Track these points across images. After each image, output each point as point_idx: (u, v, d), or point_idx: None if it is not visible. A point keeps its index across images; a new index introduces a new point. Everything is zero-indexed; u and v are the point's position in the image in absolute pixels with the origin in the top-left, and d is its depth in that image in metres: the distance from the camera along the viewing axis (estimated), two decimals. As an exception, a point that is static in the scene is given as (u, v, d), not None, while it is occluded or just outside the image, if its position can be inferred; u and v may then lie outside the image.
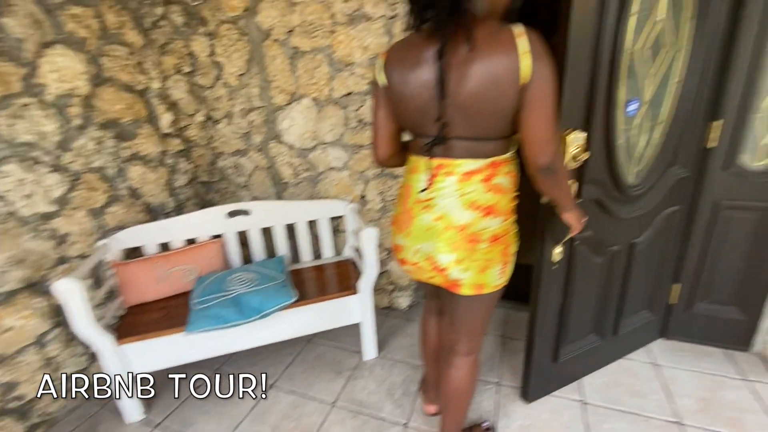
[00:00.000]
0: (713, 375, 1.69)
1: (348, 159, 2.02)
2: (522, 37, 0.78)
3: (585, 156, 1.22)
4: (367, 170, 2.01)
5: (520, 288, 2.53)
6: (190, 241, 1.95)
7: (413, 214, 0.99)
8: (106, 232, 1.82)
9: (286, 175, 2.17)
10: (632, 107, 1.29)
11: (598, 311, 1.64)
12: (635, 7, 1.15)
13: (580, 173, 1.29)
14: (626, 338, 1.78)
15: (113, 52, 1.86)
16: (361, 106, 1.90)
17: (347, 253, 2.08)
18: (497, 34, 0.79)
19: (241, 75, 2.07)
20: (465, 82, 0.81)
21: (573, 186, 1.25)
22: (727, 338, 1.82)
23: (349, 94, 1.90)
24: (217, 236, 1.95)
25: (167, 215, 2.12)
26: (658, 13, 1.21)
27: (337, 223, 2.15)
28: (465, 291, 0.98)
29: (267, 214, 1.95)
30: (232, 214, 1.92)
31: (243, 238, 2.12)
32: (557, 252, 1.34)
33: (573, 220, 1.09)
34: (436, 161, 0.93)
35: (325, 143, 2.04)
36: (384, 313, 2.25)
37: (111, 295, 1.76)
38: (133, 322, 1.61)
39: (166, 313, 1.67)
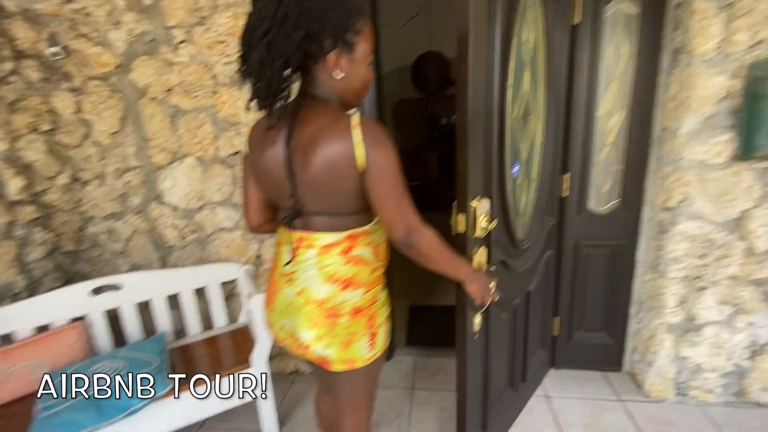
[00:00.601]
0: (594, 400, 1.85)
1: (239, 218, 1.93)
2: (357, 129, 0.80)
3: (492, 226, 1.19)
4: (260, 229, 1.93)
5: (424, 333, 2.60)
6: (43, 329, 1.63)
7: (277, 288, 0.98)
8: None
9: (171, 237, 1.99)
10: (516, 169, 1.42)
11: (510, 365, 1.65)
12: (510, 80, 1.28)
13: (487, 239, 1.26)
14: (530, 380, 1.87)
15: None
16: (250, 165, 1.84)
17: (243, 319, 1.92)
18: (336, 122, 0.81)
19: (115, 133, 1.89)
20: (308, 165, 0.83)
21: (482, 253, 1.21)
22: (602, 362, 2.02)
23: (236, 153, 1.84)
24: (80, 318, 1.67)
25: (15, 297, 1.77)
26: (524, 86, 1.38)
27: (232, 286, 2.00)
28: (336, 367, 0.94)
29: (143, 286, 1.74)
30: (98, 290, 1.67)
31: (116, 317, 1.85)
32: (477, 322, 1.29)
33: (472, 291, 1.06)
34: (297, 234, 0.93)
35: (213, 203, 1.92)
36: (289, 379, 2.10)
37: None
38: (-52, 446, 1.26)
39: (2, 426, 1.34)
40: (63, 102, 1.87)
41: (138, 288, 1.73)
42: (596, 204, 1.83)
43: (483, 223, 1.14)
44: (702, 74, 1.47)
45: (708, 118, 1.51)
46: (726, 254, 1.62)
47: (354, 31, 0.82)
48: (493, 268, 1.23)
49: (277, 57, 0.77)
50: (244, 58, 0.81)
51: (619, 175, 1.78)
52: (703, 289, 1.67)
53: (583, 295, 1.94)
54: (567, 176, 1.79)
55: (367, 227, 0.93)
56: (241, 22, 0.74)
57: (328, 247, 0.91)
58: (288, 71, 0.81)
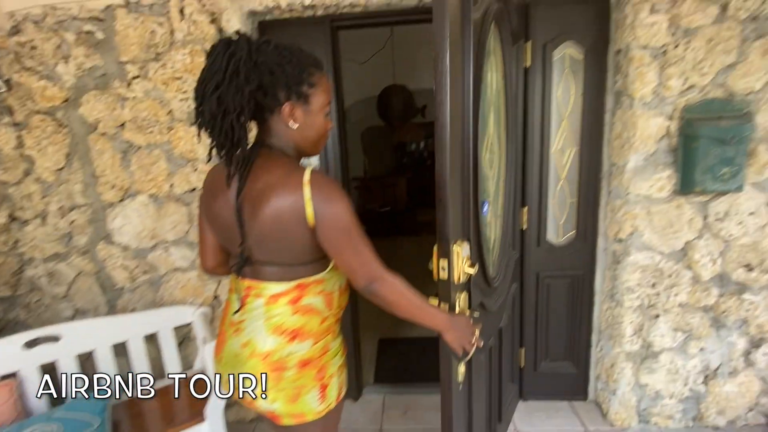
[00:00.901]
0: (562, 431, 1.84)
1: (195, 258, 1.84)
2: (307, 186, 0.80)
3: (473, 270, 1.13)
4: (218, 269, 1.84)
5: (394, 368, 2.53)
6: (-35, 388, 1.46)
7: (225, 338, 0.95)
8: None
9: (120, 279, 1.86)
10: (485, 208, 1.43)
11: (488, 408, 1.60)
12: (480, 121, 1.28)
13: (468, 283, 1.20)
14: (504, 419, 1.84)
15: None
16: (207, 202, 1.78)
17: (199, 365, 1.80)
18: (287, 178, 0.81)
19: (60, 169, 1.79)
20: (256, 217, 0.82)
21: (464, 298, 1.15)
22: (569, 391, 2.03)
23: (193, 190, 1.78)
24: (11, 375, 1.51)
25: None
26: (490, 126, 1.41)
27: (187, 330, 1.88)
28: (285, 422, 0.90)
29: (85, 336, 1.60)
30: (32, 343, 1.52)
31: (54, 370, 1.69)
32: (461, 372, 1.19)
33: (451, 341, 0.99)
34: (246, 282, 0.90)
35: (167, 242, 1.83)
36: (250, 428, 1.97)
37: None
38: None
39: None
40: (3, 137, 1.76)
41: (80, 338, 1.59)
42: (554, 236, 1.89)
43: (466, 268, 1.10)
44: (642, 116, 1.57)
45: (650, 155, 1.61)
46: (675, 283, 1.69)
47: (308, 83, 0.83)
48: (476, 314, 1.16)
49: (229, 110, 0.78)
50: (198, 111, 0.82)
51: (574, 208, 1.85)
52: (656, 316, 1.73)
53: (546, 325, 1.97)
54: (525, 210, 1.84)
55: (319, 276, 0.91)
56: (199, 59, 0.74)
57: (276, 296, 0.88)
58: (243, 122, 0.81)
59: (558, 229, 1.88)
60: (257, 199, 0.81)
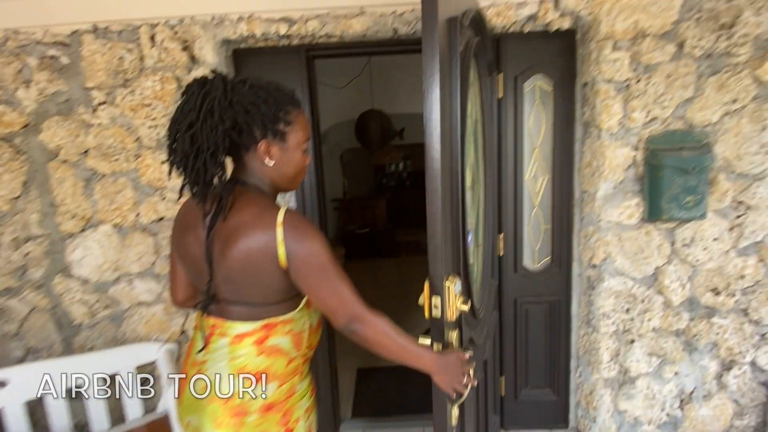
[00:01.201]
0: (545, 463, 1.81)
1: (162, 291, 1.74)
2: (280, 227, 0.79)
3: (467, 307, 1.10)
4: (186, 302, 1.75)
5: (373, 401, 2.44)
6: None
7: (187, 378, 0.90)
8: None
9: (79, 315, 1.74)
10: (469, 238, 1.42)
11: None
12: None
13: (459, 319, 1.13)
14: None
15: None
16: (175, 232, 1.70)
17: (162, 408, 1.68)
18: (260, 217, 0.80)
19: (15, 198, 1.68)
20: (225, 256, 0.81)
21: (456, 336, 1.08)
22: (550, 419, 2.01)
23: (160, 219, 1.70)
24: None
25: None
26: (470, 156, 1.40)
27: (151, 368, 1.76)
28: None
29: (36, 379, 1.47)
30: (-27, 391, 1.38)
31: None
32: (455, 415, 1.11)
33: (442, 384, 0.94)
34: (211, 320, 0.88)
35: (131, 274, 1.73)
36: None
37: None
38: None
39: None
40: (-48, 164, 1.65)
41: (29, 382, 1.46)
42: (531, 261, 1.90)
43: (459, 305, 1.05)
44: (610, 146, 1.63)
45: (619, 183, 1.66)
46: (648, 308, 1.72)
47: (285, 121, 0.84)
48: (469, 353, 1.05)
49: (203, 149, 0.78)
50: (171, 150, 0.81)
51: (548, 234, 1.88)
52: (632, 342, 1.74)
53: (525, 351, 1.95)
54: (501, 236, 1.85)
55: (287, 315, 0.87)
56: (170, 86, 0.73)
57: (241, 336, 0.85)
58: (217, 160, 0.80)
59: (534, 255, 1.90)
60: (228, 238, 0.80)
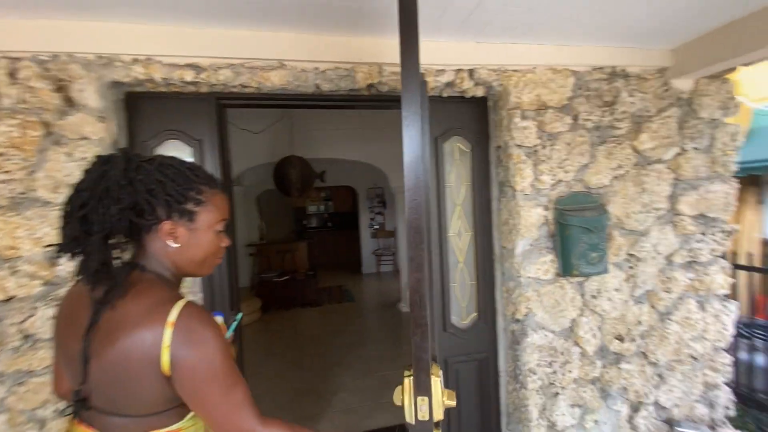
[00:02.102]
0: None
1: (6, 394, 1.31)
2: (169, 329, 0.70)
3: (454, 403, 0.96)
4: (41, 407, 1.34)
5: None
6: None
7: None
8: None
9: None
10: None
11: None
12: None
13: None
14: None
15: None
16: (30, 316, 1.32)
17: None
18: (151, 310, 0.71)
19: None
20: (102, 354, 0.71)
21: None
22: (485, 484, 1.92)
23: (9, 299, 1.31)
24: None
25: None
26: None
27: (-23, 508, 1.27)
28: None
29: None
30: None
31: None
32: None
33: None
34: (82, 429, 0.76)
35: (-45, 378, 1.27)
36: None
37: None
38: None
39: None
40: None
41: None
42: (458, 318, 1.87)
43: (446, 400, 0.93)
44: (524, 206, 1.72)
45: (534, 241, 1.74)
46: (567, 360, 1.78)
47: (194, 201, 0.79)
48: None
49: (94, 232, 0.72)
50: (62, 233, 0.74)
51: (474, 289, 1.88)
52: (556, 395, 1.78)
53: (458, 412, 1.87)
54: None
55: (174, 426, 0.76)
56: (33, 132, 0.65)
57: None
58: (112, 244, 0.75)
59: (461, 311, 1.88)
60: (108, 335, 0.71)
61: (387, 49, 1.57)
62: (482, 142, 1.86)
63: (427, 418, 0.88)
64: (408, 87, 0.85)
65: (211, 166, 1.58)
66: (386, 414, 2.65)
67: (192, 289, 1.59)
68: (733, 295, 1.99)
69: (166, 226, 0.77)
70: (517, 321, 1.78)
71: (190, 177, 0.79)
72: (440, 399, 0.91)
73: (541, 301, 1.75)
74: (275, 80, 1.52)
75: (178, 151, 1.58)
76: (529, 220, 1.72)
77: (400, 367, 3.40)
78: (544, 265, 1.75)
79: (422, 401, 0.88)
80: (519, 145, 1.71)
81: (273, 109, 3.69)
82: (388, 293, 6.28)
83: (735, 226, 1.94)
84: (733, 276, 2.05)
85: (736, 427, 1.99)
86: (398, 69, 1.59)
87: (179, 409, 0.76)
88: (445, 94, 1.75)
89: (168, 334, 0.69)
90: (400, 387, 0.93)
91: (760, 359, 2.60)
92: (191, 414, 0.78)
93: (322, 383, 3.22)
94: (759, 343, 2.65)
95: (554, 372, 1.77)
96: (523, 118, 1.70)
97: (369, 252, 8.07)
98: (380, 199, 8.16)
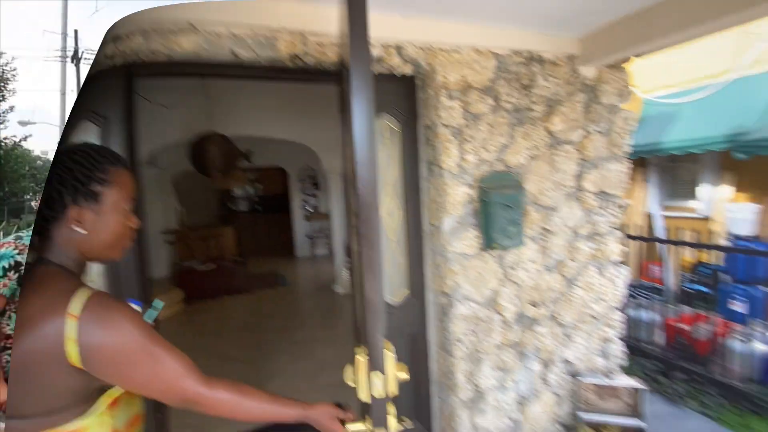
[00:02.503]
0: (417, 501, 1.79)
1: None
2: (71, 321, 0.67)
3: (406, 375, 0.94)
4: None
5: None
6: None
7: None
8: None
9: None
10: None
11: None
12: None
13: None
14: None
15: None
16: None
17: None
18: (51, 304, 0.68)
19: None
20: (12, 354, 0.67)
21: (393, 410, 0.91)
22: (417, 450, 2.03)
23: None
24: None
25: None
26: None
27: None
28: None
29: None
30: None
31: None
32: None
33: (319, 422, 0.88)
34: None
35: None
36: None
37: None
38: None
39: None
40: None
41: None
42: (391, 296, 1.91)
43: (400, 374, 0.92)
44: (450, 184, 1.78)
45: (460, 217, 1.82)
46: (490, 327, 1.92)
47: (98, 180, 0.77)
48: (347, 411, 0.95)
49: None
50: None
51: (404, 267, 1.93)
52: (480, 360, 1.91)
53: (391, 388, 1.93)
54: (362, 275, 1.81)
55: (76, 424, 0.70)
56: None
57: None
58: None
59: (393, 289, 1.92)
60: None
61: (309, 15, 1.49)
62: (411, 122, 1.88)
63: (383, 395, 0.87)
64: (357, 54, 0.80)
65: (117, 146, 1.40)
66: (322, 394, 2.65)
67: (96, 283, 1.41)
68: (624, 261, 2.29)
69: (73, 211, 0.75)
70: (445, 294, 1.86)
71: (95, 157, 0.78)
72: (394, 373, 0.91)
73: (467, 274, 1.85)
74: (186, 45, 1.37)
75: (87, 132, 1.39)
76: (455, 198, 1.79)
77: (337, 348, 3.43)
78: (469, 241, 1.84)
79: (377, 377, 0.87)
80: (445, 125, 1.76)
81: (190, 82, 3.37)
82: (323, 276, 6.23)
83: (627, 201, 2.22)
84: (625, 245, 2.35)
85: (626, 373, 2.33)
86: (323, 39, 1.53)
87: (83, 405, 0.73)
88: (374, 71, 1.72)
89: (72, 326, 0.67)
90: (350, 366, 0.92)
91: (644, 314, 3.06)
92: (99, 410, 0.74)
93: (254, 372, 3.12)
94: (644, 301, 3.10)
95: (479, 340, 1.90)
96: (450, 98, 1.74)
97: (303, 235, 7.90)
98: (313, 180, 7.97)
